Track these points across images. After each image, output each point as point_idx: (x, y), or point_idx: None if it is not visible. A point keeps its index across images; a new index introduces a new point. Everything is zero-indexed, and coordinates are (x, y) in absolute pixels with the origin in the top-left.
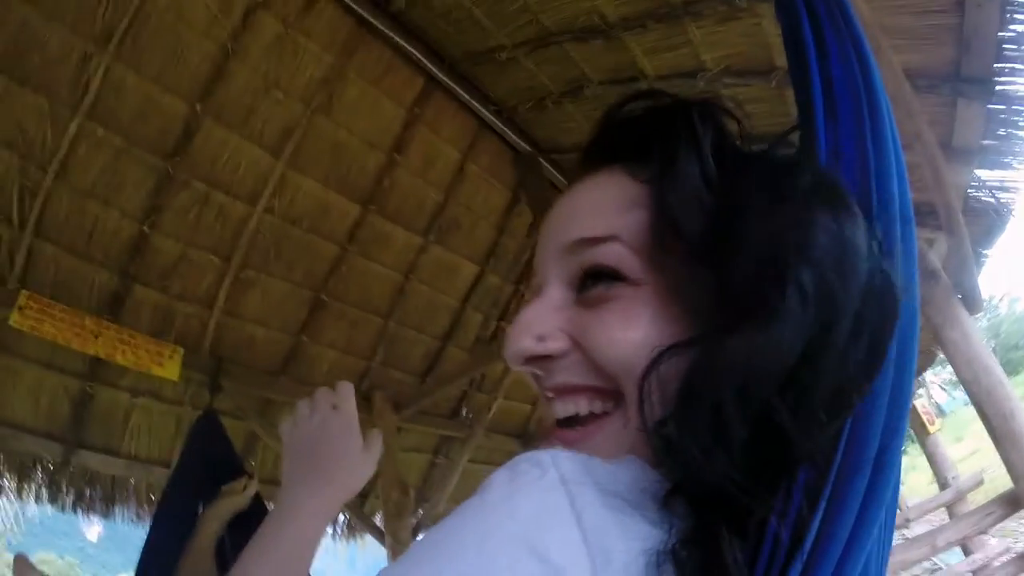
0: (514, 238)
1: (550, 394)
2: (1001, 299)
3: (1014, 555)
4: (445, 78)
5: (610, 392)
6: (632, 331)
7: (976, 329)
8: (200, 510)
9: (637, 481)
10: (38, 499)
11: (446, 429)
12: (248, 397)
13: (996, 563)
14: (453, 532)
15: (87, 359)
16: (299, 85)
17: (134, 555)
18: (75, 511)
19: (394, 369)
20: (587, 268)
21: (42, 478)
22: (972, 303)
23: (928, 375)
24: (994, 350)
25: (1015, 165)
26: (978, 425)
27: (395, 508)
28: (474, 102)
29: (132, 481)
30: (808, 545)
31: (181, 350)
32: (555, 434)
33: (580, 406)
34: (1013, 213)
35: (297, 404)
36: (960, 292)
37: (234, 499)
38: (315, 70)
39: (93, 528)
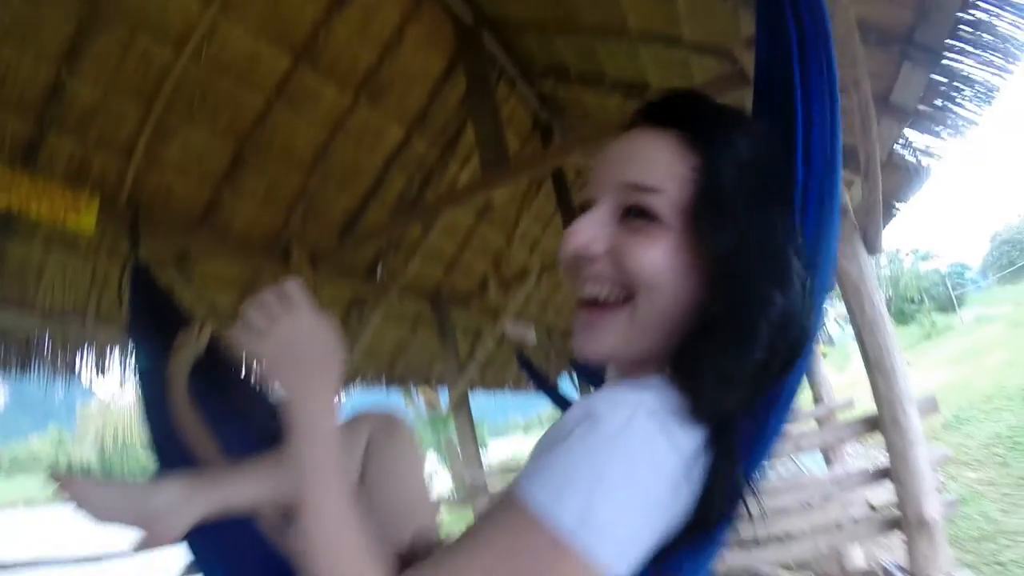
0: (445, 106)
1: (582, 282)
2: (908, 254)
3: (868, 471)
4: None
5: (625, 290)
6: (653, 255)
7: (870, 266)
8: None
9: (671, 401)
10: None
11: (360, 287)
12: (166, 248)
13: (853, 473)
14: (592, 456)
15: None
16: None
17: (43, 417)
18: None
19: (313, 224)
20: (633, 204)
21: None
22: (871, 244)
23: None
24: (890, 299)
25: (943, 136)
26: (859, 361)
27: None
28: None
29: (47, 336)
30: (765, 437)
31: (97, 198)
32: (577, 310)
33: (603, 292)
34: (930, 176)
35: (247, 312)
36: (863, 232)
37: (189, 350)
38: None
39: None
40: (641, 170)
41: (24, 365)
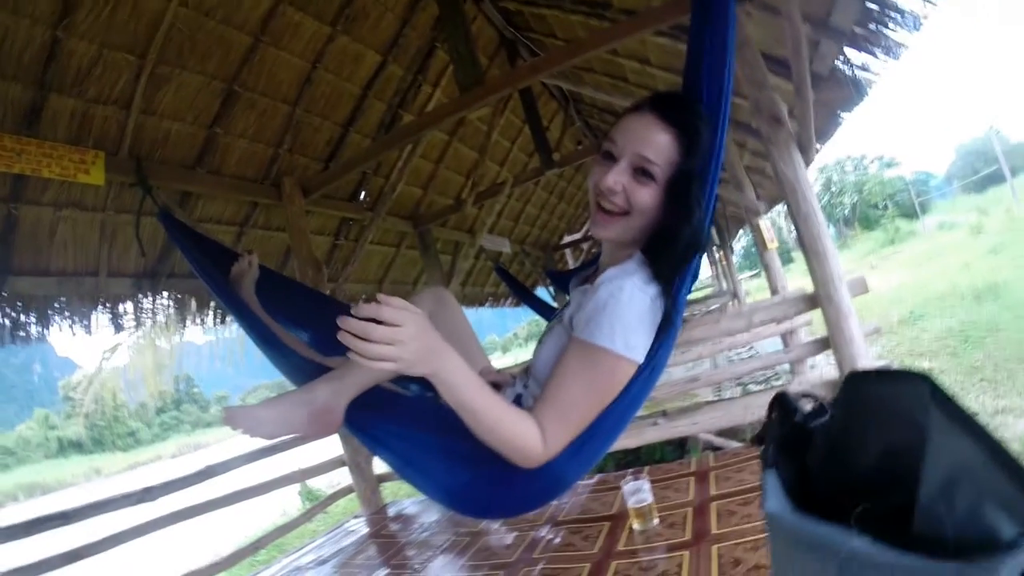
0: (417, 30)
1: (604, 200)
2: (873, 161)
3: (810, 342)
4: None
5: (625, 209)
6: (647, 197)
7: (804, 169)
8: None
9: (645, 274)
10: None
11: (348, 212)
12: (168, 192)
13: (800, 345)
14: (619, 314)
15: (7, 181)
16: None
17: (26, 403)
18: (14, 341)
19: (300, 155)
20: (641, 167)
21: None
22: (806, 151)
23: (783, 212)
24: (855, 205)
25: (878, 56)
26: None
27: (312, 284)
28: None
29: (63, 298)
30: (683, 287)
31: (103, 154)
32: (595, 213)
33: (614, 208)
34: (870, 90)
35: (378, 335)
36: (798, 139)
37: (248, 277)
38: None
39: None
40: (652, 150)
41: (44, 328)
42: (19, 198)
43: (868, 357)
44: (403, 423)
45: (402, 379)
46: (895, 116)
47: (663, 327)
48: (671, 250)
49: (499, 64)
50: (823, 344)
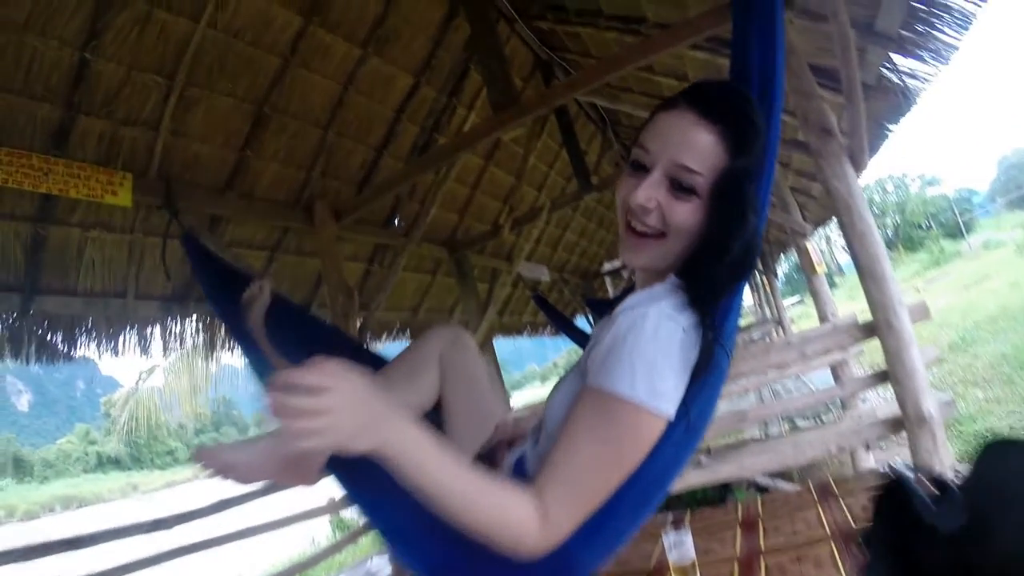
0: (449, 51)
1: (635, 220)
2: (915, 180)
3: (868, 376)
4: None
5: (661, 230)
6: (687, 216)
7: (857, 184)
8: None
9: (677, 301)
10: (1, 356)
11: (381, 237)
12: (197, 215)
13: (856, 379)
14: (642, 352)
15: (36, 201)
16: None
17: (68, 417)
18: (39, 360)
19: (333, 179)
20: (681, 180)
21: (3, 333)
22: (858, 162)
23: (834, 236)
24: (898, 225)
25: (926, 60)
26: None
27: (342, 311)
28: None
29: (91, 318)
30: (729, 314)
31: (130, 175)
32: (626, 235)
33: (648, 230)
34: (918, 99)
35: (302, 410)
36: (850, 152)
37: (258, 304)
38: None
39: (23, 398)
40: (692, 157)
41: (71, 348)
42: (47, 218)
43: (931, 393)
44: (385, 480)
45: None
46: (935, 131)
47: (703, 367)
48: (715, 268)
49: (534, 86)
50: (881, 377)
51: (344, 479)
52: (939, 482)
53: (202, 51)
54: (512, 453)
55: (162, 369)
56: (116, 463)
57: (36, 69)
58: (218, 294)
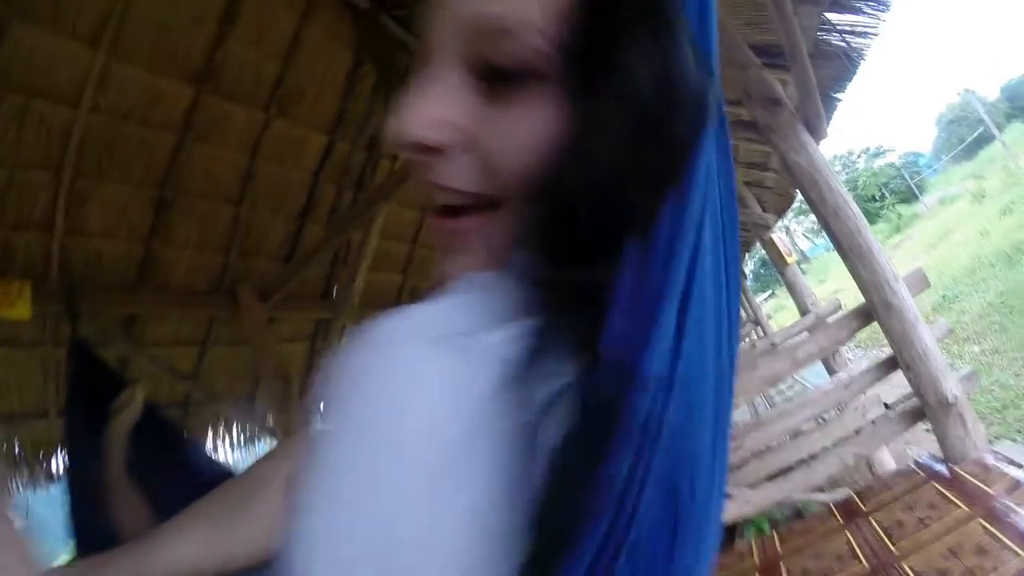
0: (360, 101)
1: (431, 185)
2: (860, 155)
3: (872, 367)
4: None
5: (492, 192)
6: (529, 124)
7: (819, 153)
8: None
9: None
10: None
11: (318, 311)
12: (109, 318)
13: (857, 375)
14: (369, 473)
15: None
16: None
17: (58, 534)
18: None
19: (255, 257)
20: (497, 64)
21: None
22: (816, 131)
23: (792, 223)
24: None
25: (864, 10)
26: (839, 268)
27: (281, 403)
28: None
29: (16, 441)
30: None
31: (28, 284)
32: (434, 220)
33: (456, 197)
34: (863, 57)
35: None
36: (804, 121)
37: (125, 413)
38: None
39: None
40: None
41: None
42: None
43: (950, 372)
44: None
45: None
46: (871, 101)
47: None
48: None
49: None
50: (890, 366)
51: None
52: None
53: (88, 139)
54: None
55: None
56: None
57: None
58: (85, 402)
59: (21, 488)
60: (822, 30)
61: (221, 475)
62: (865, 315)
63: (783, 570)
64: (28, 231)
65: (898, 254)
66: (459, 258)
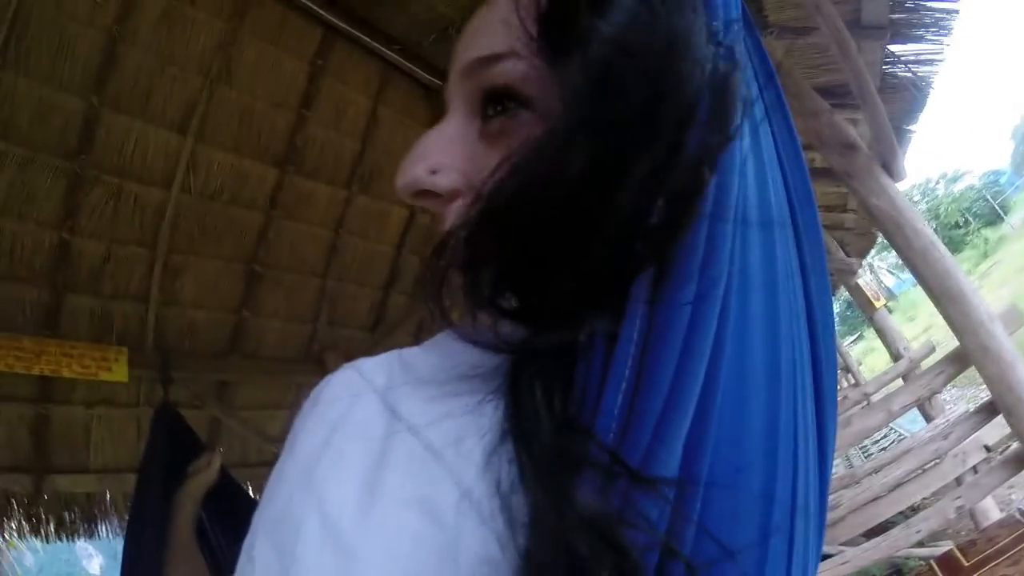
0: None
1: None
2: (938, 181)
3: (971, 413)
4: (343, 24)
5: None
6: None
7: (901, 195)
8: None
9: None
10: (20, 535)
11: None
12: (202, 383)
13: (955, 421)
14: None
15: (35, 381)
16: (194, 57)
17: None
18: (59, 538)
19: (341, 327)
20: (486, 91)
21: (19, 512)
22: (895, 172)
23: (875, 260)
24: (936, 232)
25: (928, 38)
26: (928, 305)
27: None
28: (376, 44)
29: (108, 494)
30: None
31: (125, 350)
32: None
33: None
34: (932, 86)
35: None
36: (882, 163)
37: (201, 477)
38: (208, 38)
39: (94, 561)
40: (481, 38)
41: (92, 525)
42: (48, 398)
43: None
44: None
45: None
46: (942, 126)
47: None
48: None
49: None
50: (990, 411)
51: None
52: None
53: (180, 217)
54: None
55: None
56: None
57: (18, 253)
58: (163, 462)
59: (111, 536)
60: (887, 63)
61: None
62: (961, 359)
63: None
64: (125, 301)
65: (988, 282)
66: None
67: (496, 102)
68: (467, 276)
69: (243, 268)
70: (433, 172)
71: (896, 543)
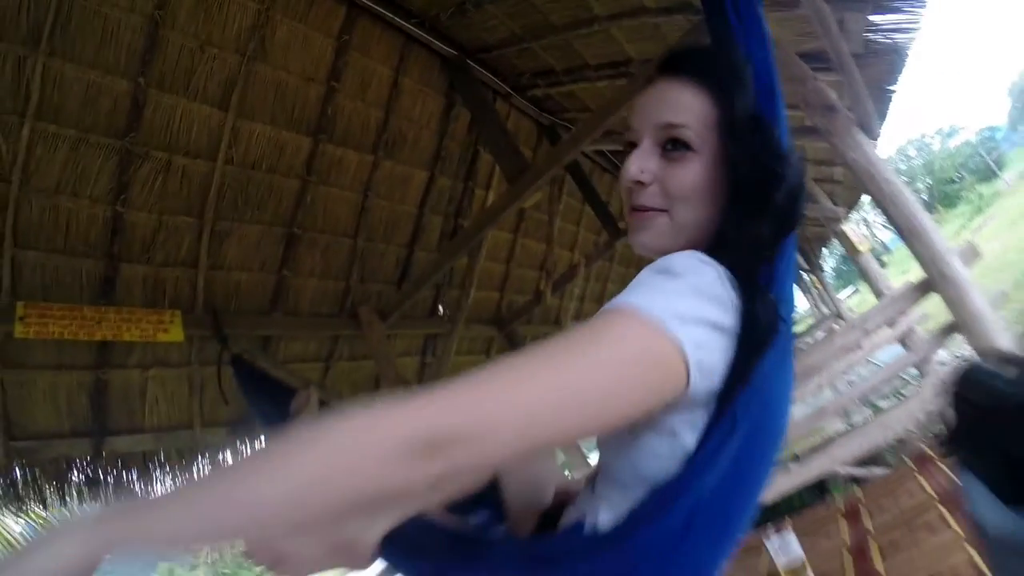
0: (455, 139)
1: (633, 198)
2: (934, 137)
3: (935, 332)
4: (365, 1)
5: (666, 202)
6: (687, 176)
7: (873, 150)
8: None
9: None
10: (80, 499)
11: (428, 328)
12: (248, 339)
13: (922, 340)
14: (661, 274)
15: (93, 349)
16: (230, 37)
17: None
18: (117, 498)
19: (372, 283)
20: (671, 137)
21: (79, 477)
22: (869, 130)
23: (871, 216)
24: (931, 187)
25: (904, 9)
26: None
27: None
28: (396, 18)
29: (162, 452)
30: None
31: (179, 313)
32: (629, 216)
33: (647, 202)
34: (910, 51)
35: None
36: (859, 123)
37: (307, 412)
38: (243, 19)
39: None
40: (672, 112)
41: (147, 484)
42: (106, 363)
43: (1003, 332)
44: (455, 563)
45: (461, 506)
46: (937, 82)
47: (755, 340)
48: (753, 222)
49: (543, 150)
50: (949, 330)
51: (402, 563)
52: (1013, 359)
53: (224, 187)
54: (568, 512)
55: None
56: None
57: (74, 228)
58: (267, 409)
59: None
60: (868, 31)
61: None
62: (925, 287)
63: (864, 511)
64: (176, 268)
65: (981, 234)
66: (640, 232)
67: (673, 144)
68: None
69: (282, 231)
70: (641, 171)
71: (874, 441)
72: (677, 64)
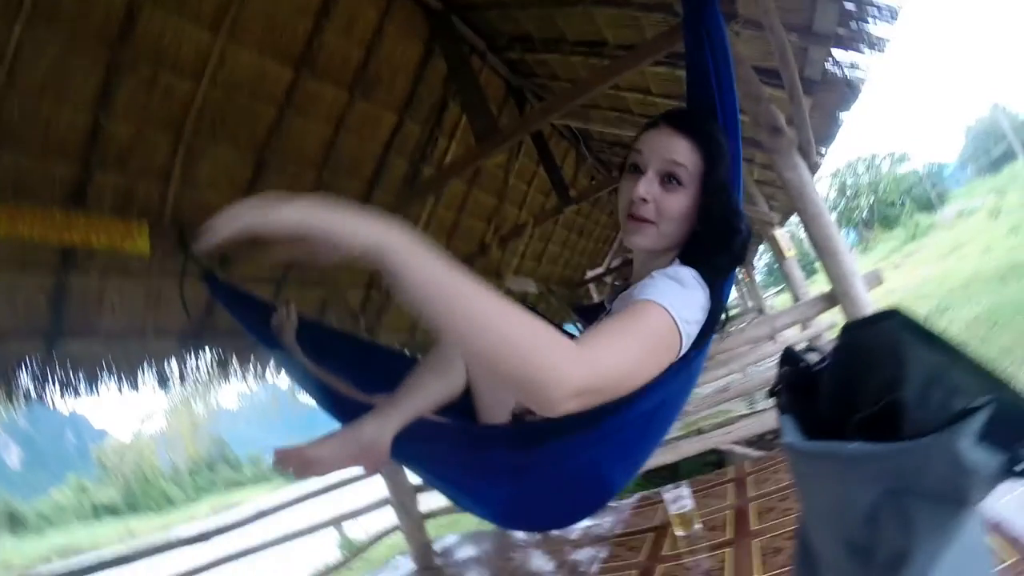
0: (428, 88)
1: (635, 209)
2: (884, 159)
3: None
4: None
5: (656, 217)
6: (677, 202)
7: (807, 172)
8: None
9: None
10: (27, 399)
11: None
12: (208, 257)
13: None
14: (678, 288)
15: (57, 253)
16: None
17: (59, 471)
18: (63, 399)
19: None
20: (670, 172)
21: (27, 377)
22: (807, 153)
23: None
24: (872, 206)
25: (864, 52)
26: None
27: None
28: None
29: (111, 357)
30: (726, 291)
31: (147, 224)
32: (628, 221)
33: (645, 215)
34: (862, 88)
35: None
36: (799, 146)
37: (288, 326)
38: None
39: (12, 453)
40: (676, 153)
41: (92, 386)
42: (68, 267)
43: None
44: (446, 448)
45: (444, 411)
46: (900, 110)
47: (710, 325)
48: (719, 250)
49: (508, 111)
50: None
51: (410, 457)
52: (818, 351)
53: (205, 107)
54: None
55: (162, 412)
56: (112, 511)
57: (53, 132)
58: (252, 323)
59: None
60: (828, 62)
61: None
62: (831, 299)
63: (748, 483)
64: (148, 180)
65: (910, 261)
66: (635, 237)
67: (670, 178)
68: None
69: (253, 156)
70: (647, 193)
71: (765, 423)
72: (684, 121)
